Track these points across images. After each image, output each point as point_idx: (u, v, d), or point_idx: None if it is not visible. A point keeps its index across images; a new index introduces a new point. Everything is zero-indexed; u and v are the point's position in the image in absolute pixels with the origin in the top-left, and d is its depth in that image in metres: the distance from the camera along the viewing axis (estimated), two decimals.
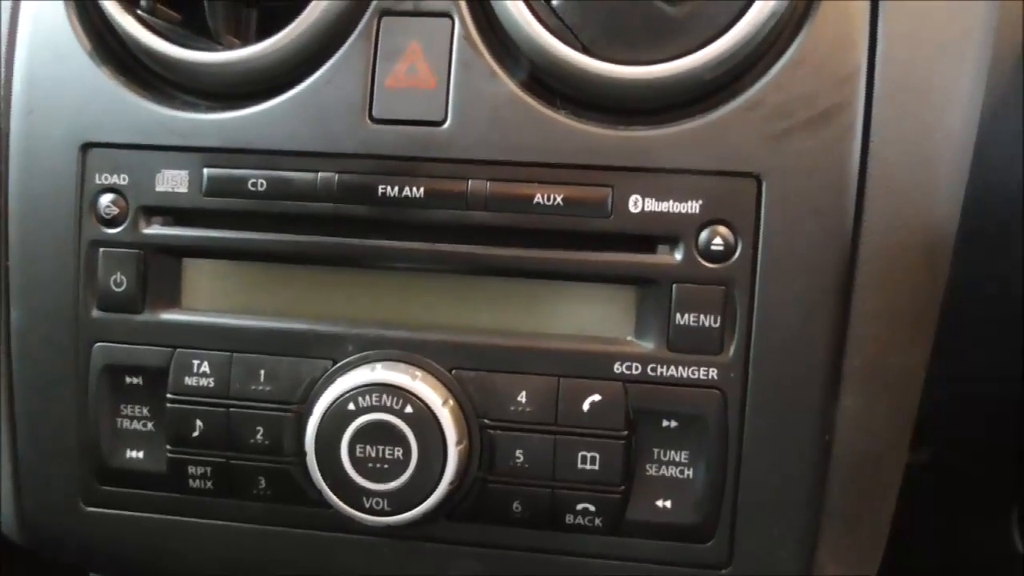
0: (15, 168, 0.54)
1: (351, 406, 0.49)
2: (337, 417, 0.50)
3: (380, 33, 0.50)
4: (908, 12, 0.48)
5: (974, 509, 0.64)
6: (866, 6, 0.48)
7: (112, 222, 0.53)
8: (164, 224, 0.54)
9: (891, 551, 0.53)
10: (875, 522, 0.52)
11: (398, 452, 0.49)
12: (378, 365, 0.51)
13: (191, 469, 0.54)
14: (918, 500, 0.53)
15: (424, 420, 0.49)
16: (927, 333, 0.50)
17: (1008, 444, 0.58)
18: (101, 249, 0.54)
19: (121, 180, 0.53)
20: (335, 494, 0.50)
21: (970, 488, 0.61)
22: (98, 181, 0.53)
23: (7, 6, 0.55)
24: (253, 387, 0.52)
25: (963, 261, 0.49)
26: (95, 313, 0.54)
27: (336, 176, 0.51)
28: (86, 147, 0.53)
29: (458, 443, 0.49)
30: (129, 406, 0.55)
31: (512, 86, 0.49)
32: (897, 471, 0.52)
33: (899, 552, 0.54)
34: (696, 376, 0.50)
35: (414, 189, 0.50)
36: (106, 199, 0.53)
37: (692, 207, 0.49)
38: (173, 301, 0.54)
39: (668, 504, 0.51)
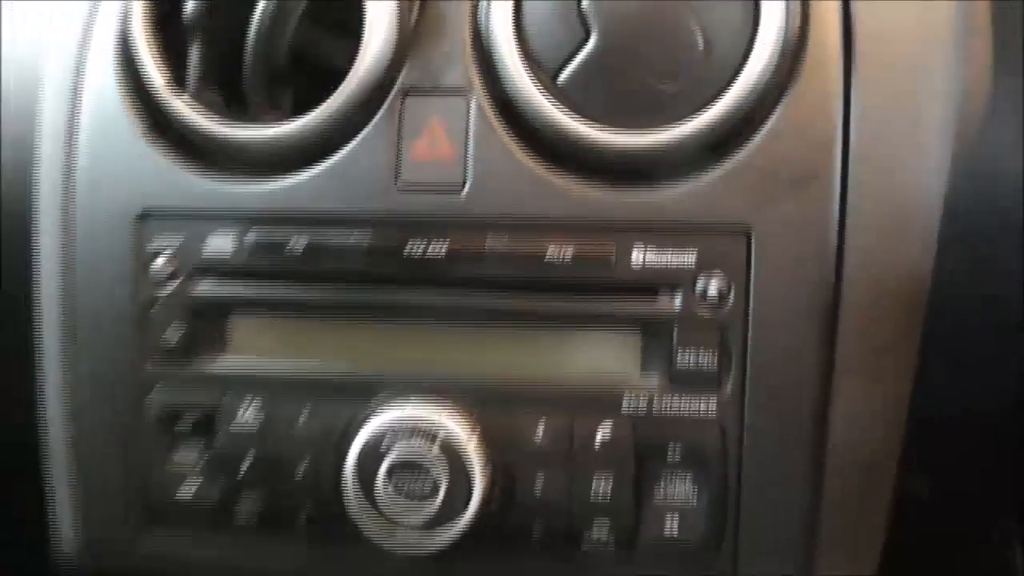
0: (80, 237, 0.59)
1: (384, 445, 0.53)
2: (371, 455, 0.53)
3: (404, 110, 0.56)
4: (879, 83, 0.53)
5: (970, 525, 0.66)
6: (839, 78, 0.53)
7: (164, 283, 0.58)
8: (211, 283, 0.58)
9: (885, 566, 0.57)
10: (866, 546, 0.56)
11: (427, 486, 0.53)
12: (407, 406, 0.55)
13: (237, 507, 0.58)
14: (912, 517, 0.57)
15: (451, 456, 0.53)
16: (909, 365, 0.54)
17: (1002, 459, 0.61)
18: (155, 307, 0.58)
19: (173, 244, 0.58)
20: (368, 528, 0.54)
21: (965, 503, 0.64)
22: (152, 246, 0.58)
23: (66, 98, 0.61)
24: (294, 429, 0.57)
25: (948, 293, 0.53)
26: (149, 366, 0.59)
27: (367, 238, 0.56)
28: (142, 216, 0.59)
29: (482, 476, 0.53)
30: (180, 451, 0.59)
31: (523, 155, 0.55)
32: (885, 498, 0.55)
33: (894, 566, 0.57)
34: (697, 411, 0.54)
35: (437, 248, 0.55)
36: (159, 262, 0.58)
37: (688, 258, 0.53)
38: (220, 351, 0.59)
39: (675, 527, 0.55)
